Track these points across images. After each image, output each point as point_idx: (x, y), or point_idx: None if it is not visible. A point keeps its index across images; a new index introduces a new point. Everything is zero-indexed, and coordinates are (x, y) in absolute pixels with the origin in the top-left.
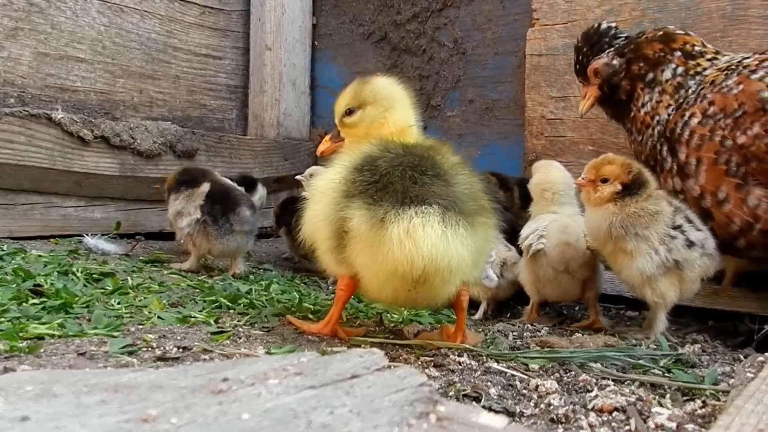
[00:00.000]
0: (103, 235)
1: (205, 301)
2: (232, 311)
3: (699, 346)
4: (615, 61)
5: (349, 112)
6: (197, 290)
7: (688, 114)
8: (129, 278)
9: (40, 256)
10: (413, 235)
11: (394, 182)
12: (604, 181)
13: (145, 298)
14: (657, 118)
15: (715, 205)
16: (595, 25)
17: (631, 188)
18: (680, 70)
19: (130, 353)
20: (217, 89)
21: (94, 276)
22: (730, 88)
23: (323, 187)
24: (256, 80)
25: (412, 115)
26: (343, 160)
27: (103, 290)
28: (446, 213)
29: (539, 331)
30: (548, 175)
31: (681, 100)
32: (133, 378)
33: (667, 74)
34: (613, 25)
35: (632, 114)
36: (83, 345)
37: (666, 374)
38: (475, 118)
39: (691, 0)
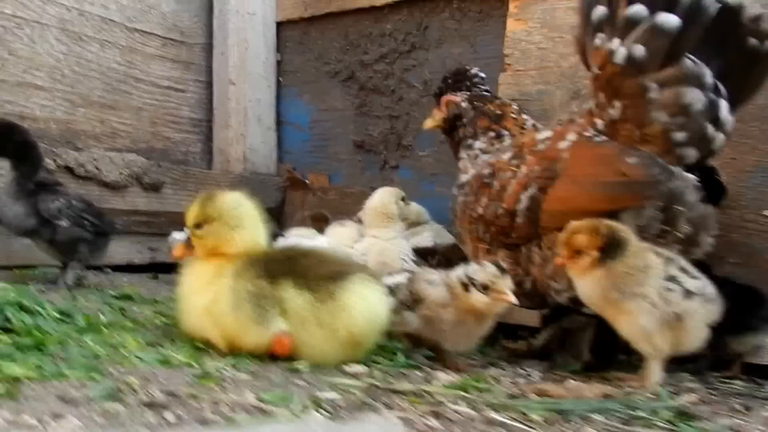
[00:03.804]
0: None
1: (182, 340)
2: (211, 351)
3: (696, 395)
4: (464, 105)
5: (198, 225)
6: (172, 327)
7: (457, 199)
8: (100, 315)
9: (5, 288)
10: (367, 299)
11: (310, 266)
12: (579, 252)
13: (118, 336)
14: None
15: None
16: (467, 68)
17: (609, 250)
18: (484, 147)
19: (114, 398)
20: (180, 122)
21: (63, 312)
22: (474, 171)
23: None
24: (220, 114)
25: (262, 232)
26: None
27: (75, 327)
28: (368, 278)
29: (530, 376)
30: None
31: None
32: None
33: (478, 145)
34: (482, 74)
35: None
36: (63, 388)
37: (671, 427)
38: (449, 158)
39: None
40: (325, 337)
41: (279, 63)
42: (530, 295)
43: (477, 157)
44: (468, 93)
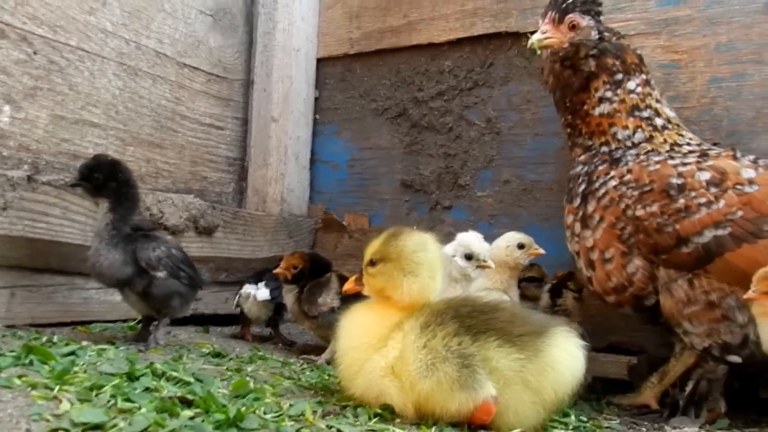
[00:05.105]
0: (124, 321)
1: (354, 407)
2: (396, 420)
3: None
4: (594, 34)
5: (372, 263)
6: (308, 389)
7: (609, 176)
8: (245, 378)
9: (103, 349)
10: (572, 354)
11: (509, 320)
12: None
13: (284, 404)
14: (605, 136)
15: (600, 261)
16: None
17: None
18: (640, 90)
19: None
20: (217, 161)
21: (195, 376)
22: (648, 164)
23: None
24: (258, 153)
25: (436, 285)
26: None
27: (225, 395)
28: (569, 330)
29: None
30: None
31: (618, 148)
32: None
33: (631, 85)
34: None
35: (584, 108)
36: None
37: None
38: (511, 198)
39: None
40: (530, 399)
41: (316, 99)
42: (644, 309)
43: (627, 101)
44: (595, 20)
